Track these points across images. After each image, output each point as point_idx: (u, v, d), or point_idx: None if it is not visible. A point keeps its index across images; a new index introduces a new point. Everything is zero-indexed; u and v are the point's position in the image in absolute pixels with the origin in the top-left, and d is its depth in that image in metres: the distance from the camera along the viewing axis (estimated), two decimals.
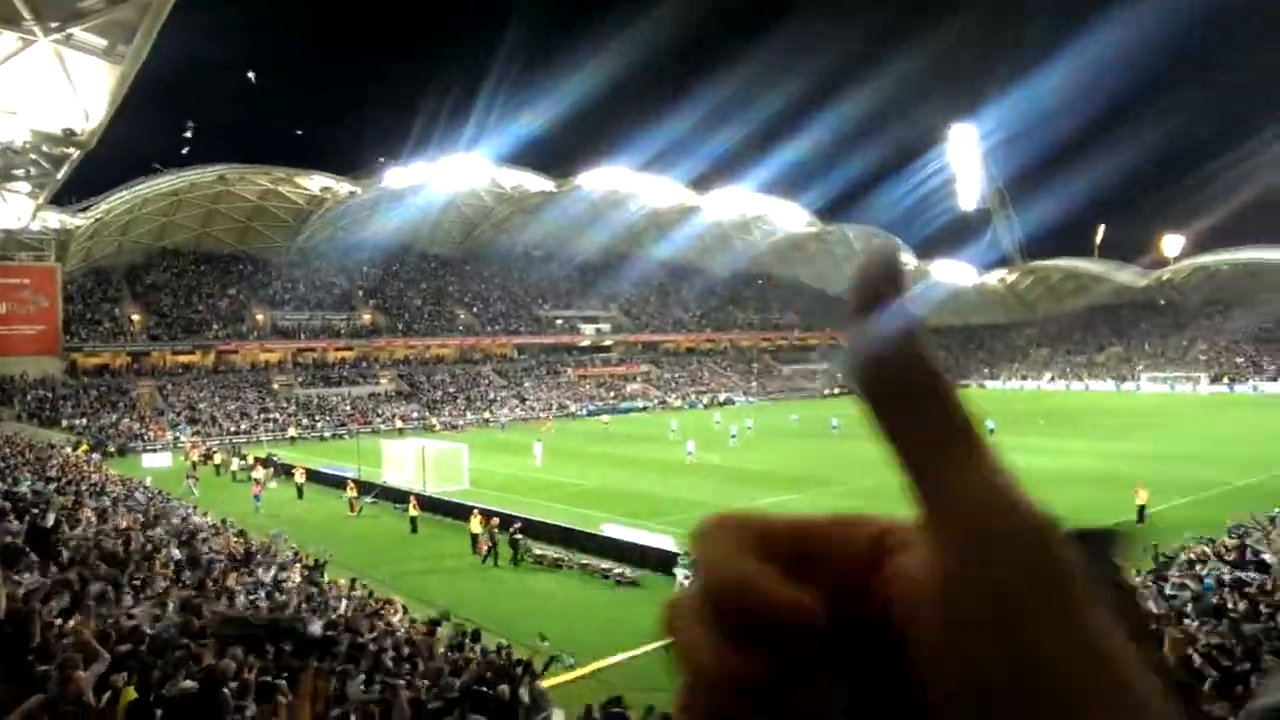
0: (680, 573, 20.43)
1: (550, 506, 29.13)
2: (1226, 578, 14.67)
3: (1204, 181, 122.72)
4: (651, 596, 20.35)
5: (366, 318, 76.01)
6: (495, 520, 24.14)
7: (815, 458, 41.05)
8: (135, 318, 65.52)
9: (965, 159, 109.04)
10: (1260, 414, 53.91)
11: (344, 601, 16.98)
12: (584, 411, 71.14)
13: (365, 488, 33.29)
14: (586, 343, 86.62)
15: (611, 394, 77.81)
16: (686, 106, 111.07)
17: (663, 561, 21.57)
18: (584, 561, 22.55)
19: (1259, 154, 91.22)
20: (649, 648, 16.58)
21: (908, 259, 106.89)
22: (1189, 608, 13.38)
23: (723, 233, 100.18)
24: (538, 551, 23.46)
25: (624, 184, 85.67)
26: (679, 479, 35.83)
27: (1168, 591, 15.10)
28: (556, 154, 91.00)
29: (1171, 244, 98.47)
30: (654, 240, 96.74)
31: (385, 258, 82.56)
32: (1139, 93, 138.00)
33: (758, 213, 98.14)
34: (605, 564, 22.17)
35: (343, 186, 71.48)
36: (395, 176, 71.83)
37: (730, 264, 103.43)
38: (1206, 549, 17.57)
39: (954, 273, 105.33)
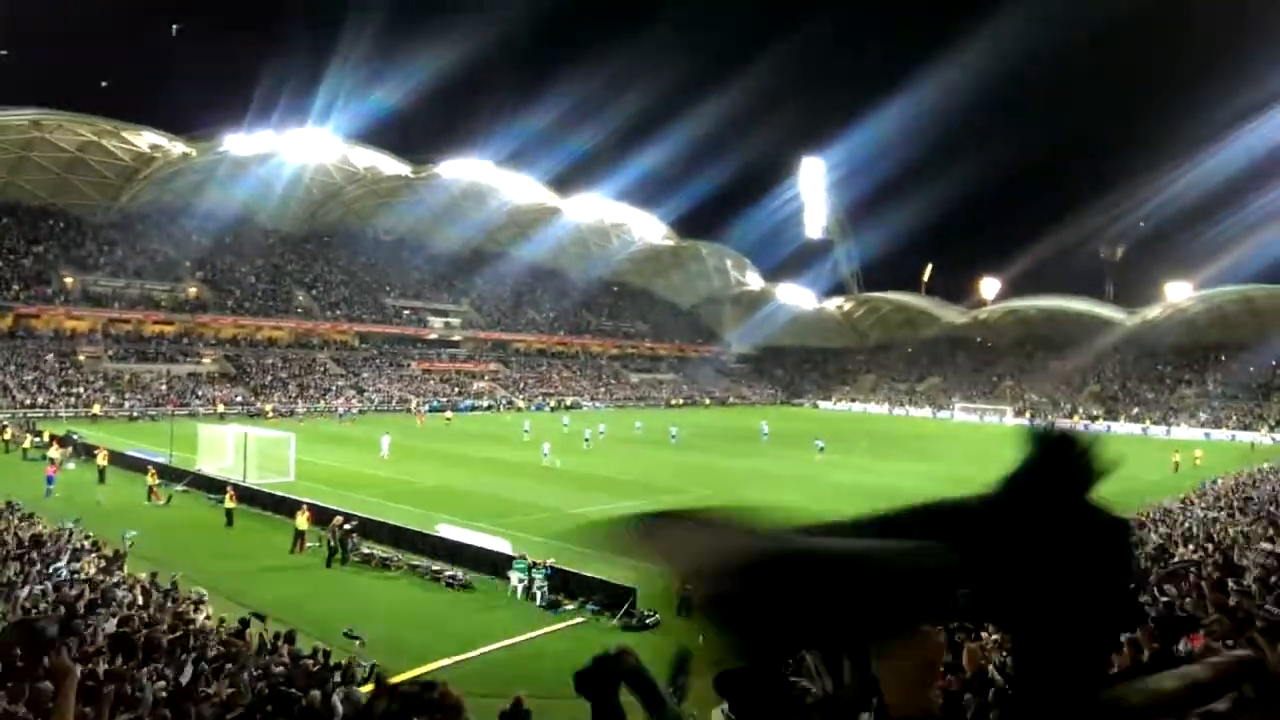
0: (515, 575, 20.14)
1: (384, 504, 28.03)
2: None
3: (1018, 229, 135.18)
4: (482, 599, 19.96)
5: (193, 291, 70.50)
6: (340, 519, 22.71)
7: (658, 465, 41.75)
8: None
9: (814, 189, 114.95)
10: None
11: (139, 595, 15.56)
12: (426, 407, 69.12)
13: (176, 475, 30.81)
14: (434, 336, 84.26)
15: (457, 390, 76.04)
16: (551, 102, 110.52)
17: (497, 564, 21.19)
18: (414, 562, 21.79)
19: (1071, 208, 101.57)
20: (477, 652, 16.23)
21: (756, 280, 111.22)
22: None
23: (582, 238, 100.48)
24: (365, 550, 22.45)
25: (484, 177, 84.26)
26: (524, 481, 35.44)
27: None
28: (415, 140, 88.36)
29: (989, 286, 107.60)
30: (513, 240, 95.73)
31: (219, 229, 77.00)
32: (966, 139, 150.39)
33: (617, 221, 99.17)
34: (437, 565, 21.51)
35: (176, 147, 66.26)
36: (237, 143, 67.36)
37: (588, 270, 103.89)
38: None
39: (797, 297, 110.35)
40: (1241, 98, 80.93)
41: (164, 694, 9.38)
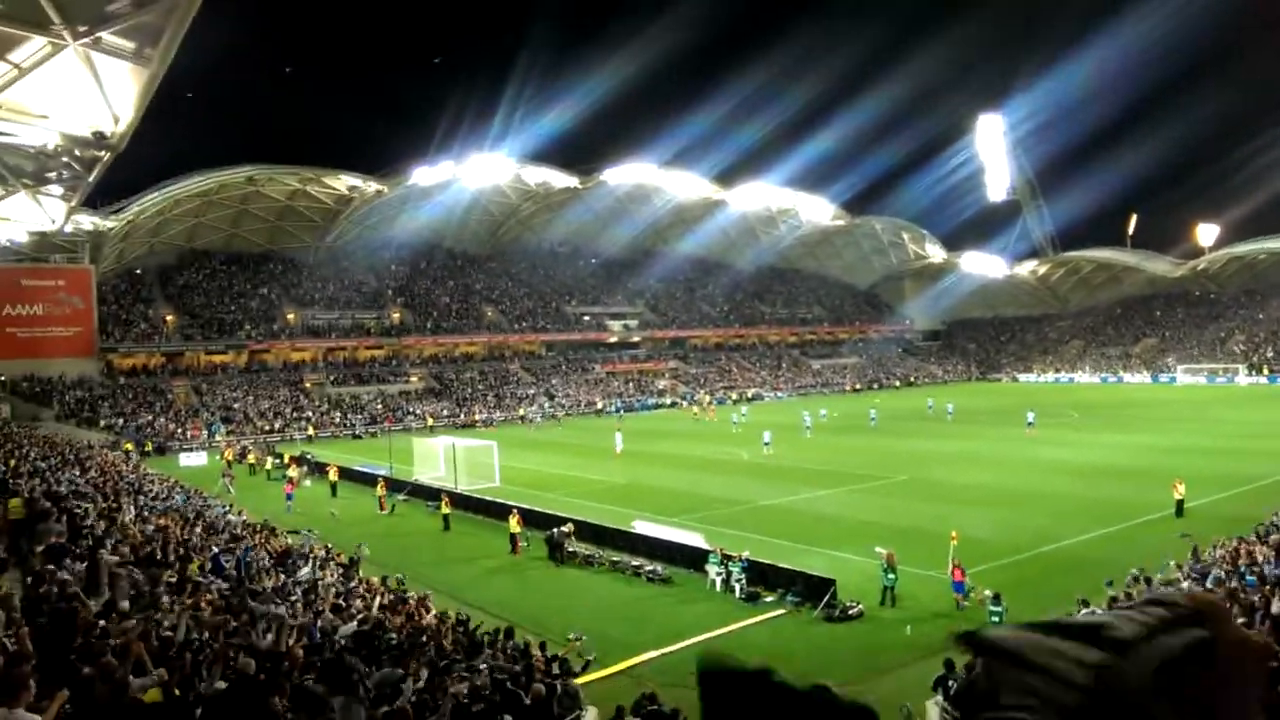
0: (711, 569, 20.36)
1: (582, 504, 29.16)
2: (1269, 574, 14.31)
3: (1238, 169, 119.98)
4: (681, 593, 20.31)
5: (395, 316, 76.64)
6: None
7: (850, 452, 40.73)
8: (168, 318, 66.57)
9: (993, 150, 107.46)
10: None
11: (376, 599, 17.10)
12: (612, 408, 71.20)
13: (397, 486, 33.56)
14: (614, 339, 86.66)
15: (640, 390, 77.81)
16: (710, 100, 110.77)
17: (693, 558, 21.51)
18: (615, 559, 22.53)
19: None
20: (680, 645, 16.55)
21: (936, 251, 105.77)
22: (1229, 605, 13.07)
23: (748, 227, 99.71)
24: (568, 549, 23.45)
25: (649, 179, 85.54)
26: (716, 475, 35.70)
27: (1208, 586, 14.77)
28: (581, 150, 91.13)
29: (1206, 233, 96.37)
30: (679, 235, 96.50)
31: (413, 256, 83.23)
32: (1169, 80, 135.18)
33: (783, 206, 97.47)
34: (636, 561, 22.13)
35: (370, 185, 72.06)
36: (422, 175, 72.28)
37: (756, 258, 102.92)
38: (1249, 545, 17.16)
39: (984, 264, 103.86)
40: None
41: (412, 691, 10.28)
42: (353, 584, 18.60)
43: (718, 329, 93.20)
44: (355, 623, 14.90)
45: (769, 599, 19.23)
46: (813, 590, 18.74)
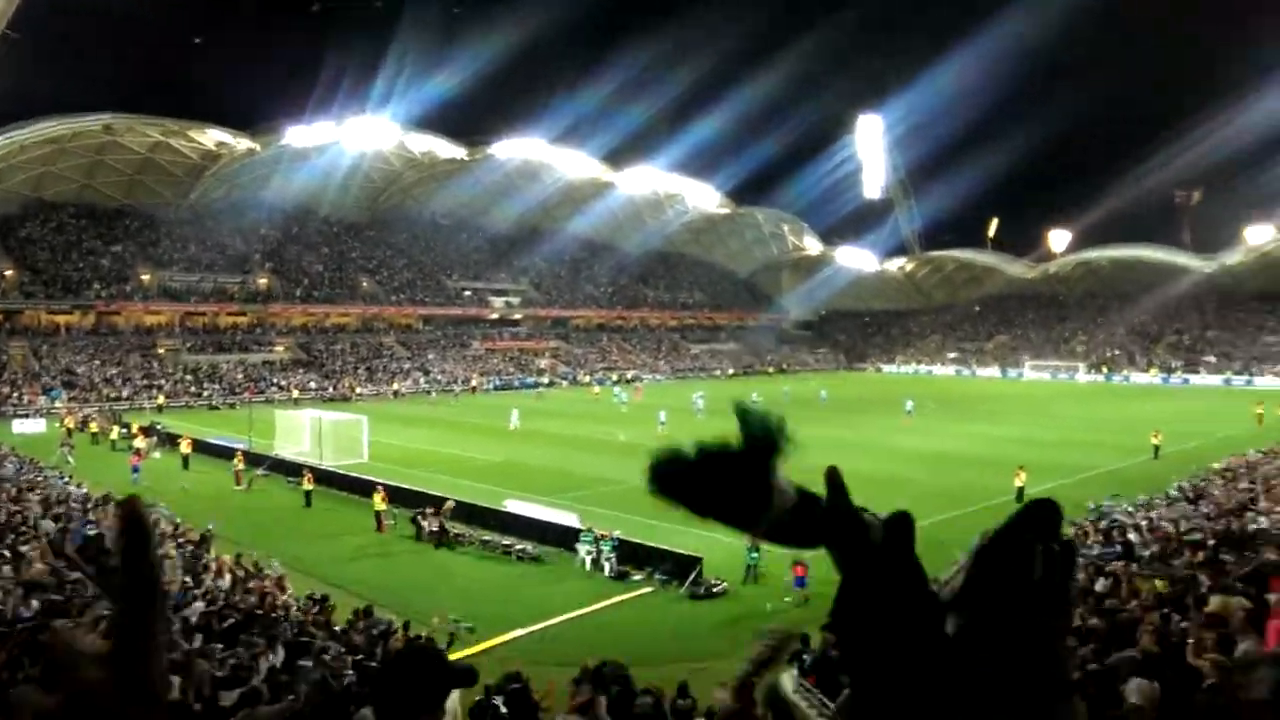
0: (582, 548, 20.48)
1: (454, 482, 28.68)
2: (1097, 556, 15.62)
3: (1089, 178, 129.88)
4: (551, 572, 20.36)
5: (263, 282, 72.75)
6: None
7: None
8: (7, 273, 60.81)
9: (872, 148, 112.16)
10: (1131, 403, 57.65)
11: (227, 578, 16.32)
12: (490, 385, 70.32)
13: (256, 460, 32.04)
14: (495, 316, 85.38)
15: (520, 368, 77.11)
16: (602, 78, 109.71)
17: (565, 537, 21.56)
18: (485, 537, 22.32)
19: (1142, 154, 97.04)
20: (546, 624, 16.61)
21: (814, 243, 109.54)
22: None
23: (636, 210, 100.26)
24: (449, 529, 22.99)
25: (538, 155, 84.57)
26: (591, 455, 35.83)
27: None
28: (469, 120, 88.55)
29: (1058, 239, 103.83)
30: (567, 215, 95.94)
31: (285, 220, 79.14)
32: (1032, 89, 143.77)
33: (671, 191, 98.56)
34: (507, 540, 22.00)
35: (241, 142, 68.07)
36: (298, 135, 68.84)
37: (643, 242, 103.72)
38: (1078, 529, 18.67)
39: (857, 259, 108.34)
40: None
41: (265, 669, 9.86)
42: (203, 562, 17.67)
43: (601, 310, 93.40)
44: (203, 602, 14.18)
45: (637, 577, 19.54)
46: (680, 568, 19.17)
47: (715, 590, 18.44)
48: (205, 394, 57.84)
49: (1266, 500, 16.00)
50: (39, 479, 24.21)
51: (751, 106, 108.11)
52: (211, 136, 67.17)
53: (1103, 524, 18.86)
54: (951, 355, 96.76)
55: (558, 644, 15.53)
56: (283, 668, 10.70)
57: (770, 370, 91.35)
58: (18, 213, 65.78)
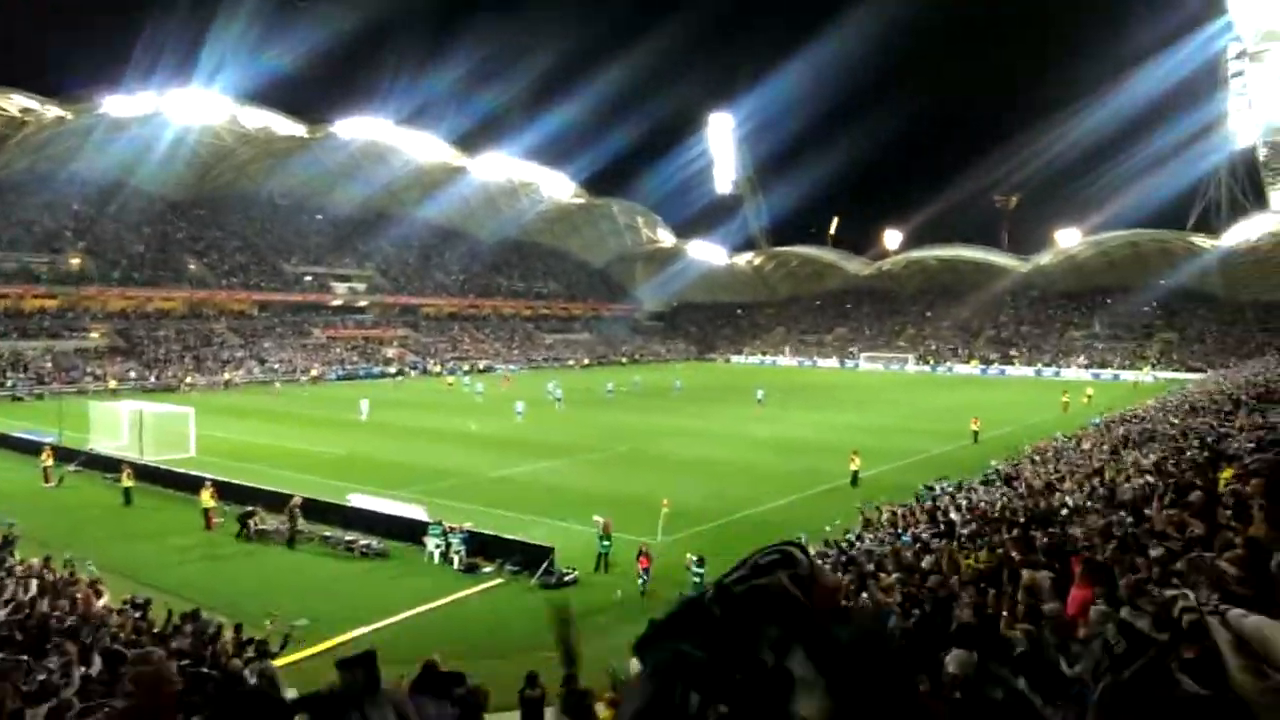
0: (431, 541, 20.03)
1: (293, 476, 27.30)
2: (924, 535, 16.84)
3: (922, 181, 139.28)
4: (398, 567, 19.81)
5: (75, 262, 66.21)
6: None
7: (578, 425, 41.88)
8: None
9: (723, 145, 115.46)
10: (953, 392, 62.33)
11: (33, 583, 14.86)
12: (333, 375, 67.34)
13: (67, 455, 29.29)
14: (339, 302, 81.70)
15: (366, 358, 74.23)
16: (452, 59, 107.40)
17: (413, 531, 21.02)
18: (325, 533, 21.39)
19: (969, 160, 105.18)
20: (392, 620, 16.16)
21: (667, 236, 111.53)
22: (887, 562, 15.23)
23: (489, 197, 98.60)
24: (265, 526, 21.81)
25: (384, 136, 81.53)
26: (441, 446, 35.07)
27: (868, 546, 17.12)
28: (310, 98, 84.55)
29: (892, 238, 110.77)
30: (417, 200, 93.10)
31: (100, 196, 72.37)
32: (871, 93, 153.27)
33: (525, 179, 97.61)
34: (350, 535, 21.18)
35: (49, 110, 61.73)
36: (115, 104, 63.22)
37: (497, 230, 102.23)
38: (907, 510, 20.07)
39: (708, 252, 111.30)
40: (1131, 45, 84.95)
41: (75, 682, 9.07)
42: (5, 565, 16.00)
43: (452, 298, 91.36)
44: (5, 610, 12.85)
45: (488, 569, 19.32)
46: (531, 559, 19.11)
47: (567, 580, 18.51)
48: (9, 384, 52.23)
49: (1070, 482, 17.72)
50: None
51: (607, 98, 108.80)
52: (16, 102, 60.48)
53: (928, 504, 20.36)
54: (794, 346, 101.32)
55: (403, 640, 15.13)
56: (99, 678, 9.89)
57: (624, 360, 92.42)
58: None
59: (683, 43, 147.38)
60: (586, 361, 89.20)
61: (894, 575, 14.32)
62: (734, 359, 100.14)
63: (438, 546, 19.91)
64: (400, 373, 70.46)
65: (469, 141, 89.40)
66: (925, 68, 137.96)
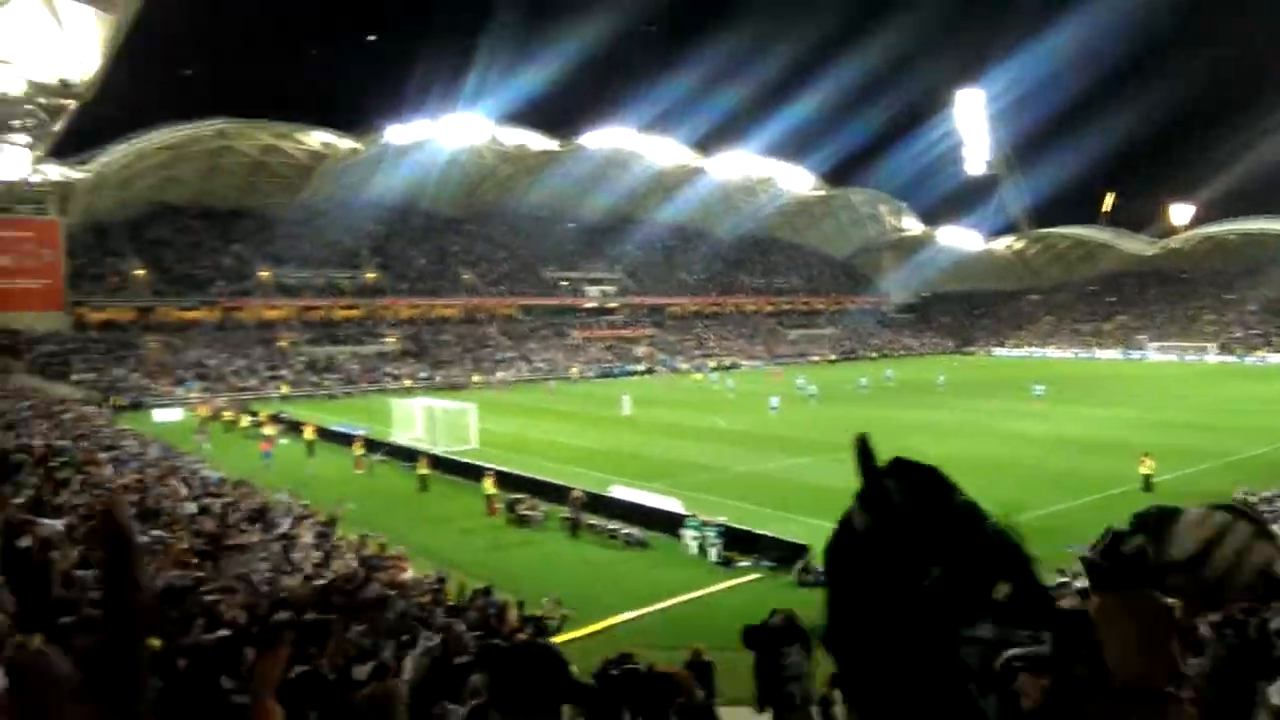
0: (688, 533, 20.59)
1: (559, 468, 29.26)
2: None
3: (1213, 149, 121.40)
4: (657, 557, 20.55)
5: (370, 276, 75.77)
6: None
7: (829, 421, 41.21)
8: (139, 273, 65.33)
9: (973, 123, 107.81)
10: (1267, 385, 53.86)
11: (352, 557, 17.15)
12: (591, 373, 71.31)
13: (374, 446, 33.49)
14: (591, 304, 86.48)
15: (618, 357, 77.93)
16: (690, 63, 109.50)
17: (671, 523, 21.73)
18: (592, 522, 22.69)
19: (1268, 123, 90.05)
20: (655, 607, 16.80)
21: (914, 223, 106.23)
22: None
23: (727, 195, 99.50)
24: (530, 512, 23.47)
25: (627, 144, 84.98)
26: (693, 442, 35.95)
27: None
28: (559, 113, 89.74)
29: (1179, 213, 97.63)
30: (658, 203, 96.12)
31: (388, 216, 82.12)
32: (1147, 57, 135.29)
33: (762, 175, 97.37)
34: (613, 524, 22.32)
35: (344, 143, 70.88)
36: (396, 133, 71.27)
37: (735, 227, 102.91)
38: None
39: (960, 238, 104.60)
40: None
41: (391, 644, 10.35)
42: (330, 541, 18.63)
43: (695, 297, 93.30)
44: (331, 578, 14.95)
45: (744, 564, 19.51)
46: (787, 556, 19.04)
47: (824, 579, 18.22)
48: (324, 384, 60.76)
49: None
50: (179, 464, 25.95)
51: (844, 86, 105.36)
52: (317, 138, 70.18)
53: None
54: (1065, 337, 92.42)
55: (663, 628, 15.69)
56: (405, 643, 11.21)
57: (873, 355, 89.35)
58: (145, 217, 70.42)
59: (924, 21, 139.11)
60: (832, 357, 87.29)
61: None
62: (996, 351, 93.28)
63: (695, 539, 20.42)
64: (651, 370, 72.89)
65: (707, 142, 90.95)
66: (1216, 19, 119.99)
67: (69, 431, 26.06)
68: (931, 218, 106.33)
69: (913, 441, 34.03)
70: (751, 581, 18.68)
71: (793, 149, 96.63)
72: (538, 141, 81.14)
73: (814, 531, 21.01)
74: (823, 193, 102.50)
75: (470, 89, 76.16)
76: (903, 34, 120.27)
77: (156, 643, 8.91)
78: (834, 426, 39.32)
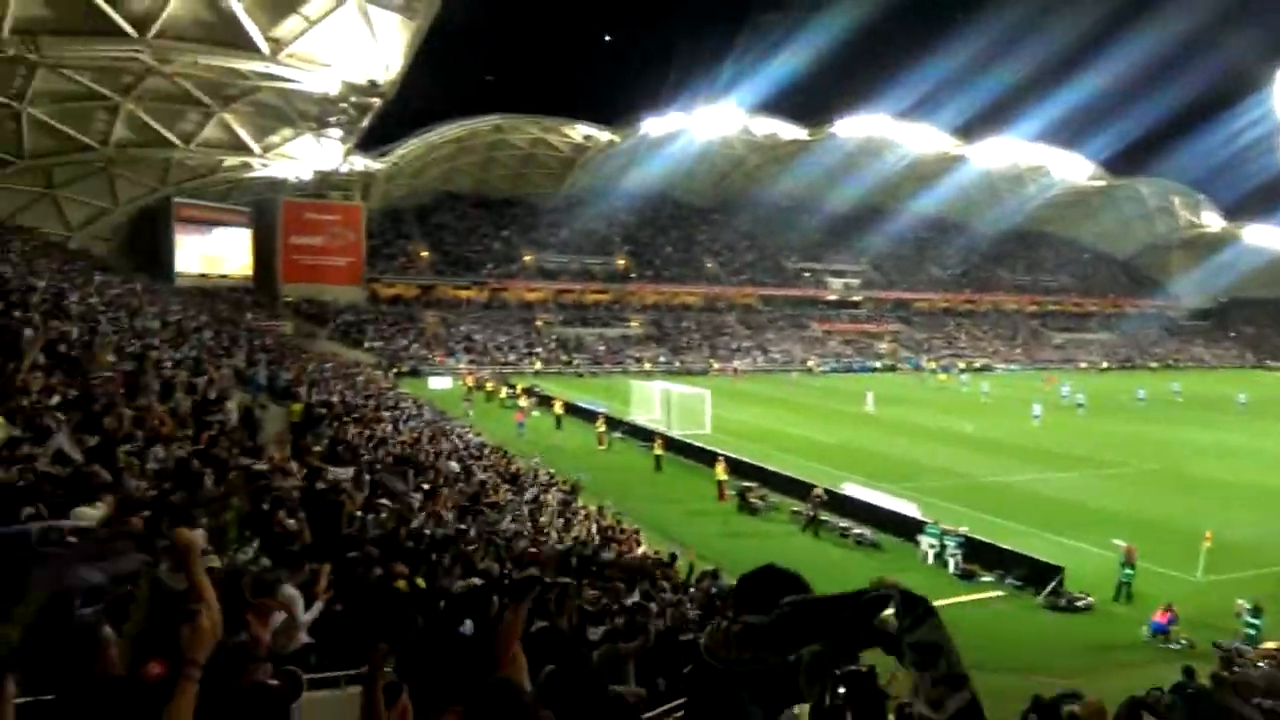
0: (925, 540, 19.65)
1: (790, 460, 29.02)
2: None
3: None
4: (890, 561, 19.78)
5: (621, 263, 79.27)
6: (820, 491, 22.52)
7: (1098, 436, 37.52)
8: (423, 254, 73.12)
9: None
10: None
11: (593, 525, 18.18)
12: (825, 367, 69.86)
13: (615, 423, 35.15)
14: (833, 297, 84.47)
15: (859, 352, 75.66)
16: (953, 43, 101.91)
17: (905, 527, 20.85)
18: (823, 518, 22.25)
19: None
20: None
21: (1214, 219, 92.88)
22: None
23: (990, 185, 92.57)
24: (820, 517, 23.14)
25: (882, 132, 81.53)
26: (934, 445, 34.24)
27: None
28: (811, 100, 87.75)
29: None
30: (911, 193, 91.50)
31: (640, 205, 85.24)
32: None
33: (1032, 163, 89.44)
34: (844, 522, 21.81)
35: (604, 135, 74.34)
36: (652, 125, 73.52)
37: (996, 220, 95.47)
38: None
39: (1272, 237, 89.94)
40: None
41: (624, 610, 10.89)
42: (572, 508, 19.88)
43: (946, 293, 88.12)
44: (573, 543, 15.96)
45: (986, 579, 18.30)
46: (1036, 575, 17.58)
47: (1079, 604, 16.65)
48: (573, 363, 64.67)
49: None
50: (447, 426, 28.86)
51: (1135, 64, 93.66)
52: (580, 131, 74.22)
53: None
54: None
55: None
56: (636, 610, 11.71)
57: (1154, 365, 79.62)
58: (431, 203, 78.47)
59: None
60: (1105, 365, 78.89)
61: None
62: None
63: (932, 547, 19.45)
64: (903, 367, 70.01)
65: (971, 128, 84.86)
66: None
67: (360, 391, 29.75)
68: (1236, 213, 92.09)
69: (1202, 467, 30.04)
70: (994, 599, 17.49)
71: (1069, 135, 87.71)
72: (788, 131, 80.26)
73: (1067, 552, 19.30)
74: (1103, 182, 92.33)
75: (724, 79, 76.87)
76: (1210, 5, 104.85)
77: (421, 583, 10.02)
78: (1102, 441, 35.72)
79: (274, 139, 45.41)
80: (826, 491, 22.83)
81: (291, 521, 11.06)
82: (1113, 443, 35.34)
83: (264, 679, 3.30)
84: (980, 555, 18.90)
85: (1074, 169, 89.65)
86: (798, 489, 24.20)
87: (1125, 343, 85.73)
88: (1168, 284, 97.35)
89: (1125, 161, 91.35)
